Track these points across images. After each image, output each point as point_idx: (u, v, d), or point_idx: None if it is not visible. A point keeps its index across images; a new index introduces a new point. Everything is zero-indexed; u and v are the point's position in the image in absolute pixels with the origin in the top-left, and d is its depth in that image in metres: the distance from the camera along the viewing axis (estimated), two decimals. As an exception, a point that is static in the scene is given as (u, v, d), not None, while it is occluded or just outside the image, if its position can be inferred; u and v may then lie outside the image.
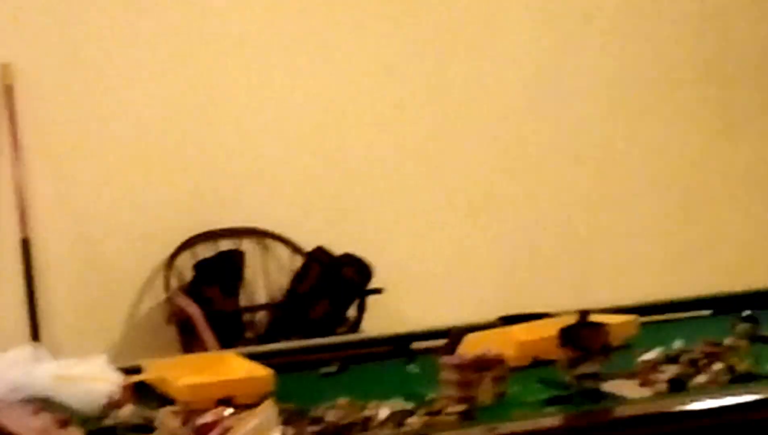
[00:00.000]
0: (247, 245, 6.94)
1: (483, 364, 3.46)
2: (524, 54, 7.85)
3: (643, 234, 7.73)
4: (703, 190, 8.01)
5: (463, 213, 7.51)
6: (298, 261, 6.93)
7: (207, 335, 6.34)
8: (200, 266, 6.82)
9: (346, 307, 6.83)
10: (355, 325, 6.70)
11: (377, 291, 6.80)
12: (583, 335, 3.58)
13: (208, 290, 6.70)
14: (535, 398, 3.40)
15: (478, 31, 7.69)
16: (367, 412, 3.21)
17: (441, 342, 4.02)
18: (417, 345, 4.27)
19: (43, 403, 3.43)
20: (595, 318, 3.66)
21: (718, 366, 3.51)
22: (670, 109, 8.03)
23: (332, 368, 4.04)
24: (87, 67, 6.88)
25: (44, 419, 3.30)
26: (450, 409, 3.22)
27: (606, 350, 3.58)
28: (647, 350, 3.69)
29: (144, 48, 6.91)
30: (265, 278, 6.97)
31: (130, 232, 6.86)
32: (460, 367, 3.43)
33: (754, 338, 3.92)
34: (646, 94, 7.98)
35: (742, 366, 3.52)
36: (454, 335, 3.97)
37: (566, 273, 7.22)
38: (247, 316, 6.80)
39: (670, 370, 3.51)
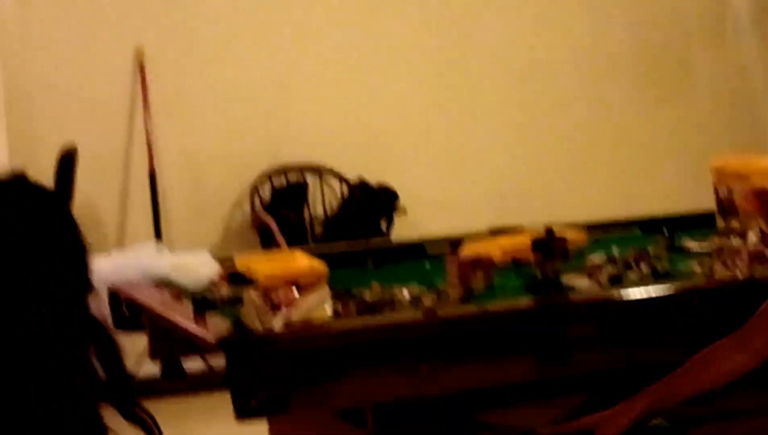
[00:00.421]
0: (309, 175, 7.85)
1: (476, 263, 4.07)
2: (512, 36, 8.54)
3: (596, 170, 8.46)
4: (638, 140, 8.63)
5: (465, 153, 8.33)
6: (345, 188, 7.87)
7: (280, 239, 7.23)
8: (276, 192, 7.73)
9: (379, 222, 7.72)
10: (386, 234, 7.59)
11: (401, 210, 7.77)
12: (549, 244, 4.22)
13: (281, 208, 7.56)
14: (514, 287, 4.03)
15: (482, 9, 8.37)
16: (393, 295, 3.89)
17: (447, 247, 4.40)
18: (430, 249, 4.84)
19: (163, 283, 4.25)
20: (557, 231, 4.25)
21: (644, 267, 4.14)
22: (615, 75, 8.73)
23: (369, 264, 4.73)
24: (196, 45, 7.80)
25: (164, 294, 4.14)
26: (453, 294, 3.86)
27: (565, 255, 4.22)
28: (593, 254, 4.30)
29: (238, 28, 7.84)
30: (322, 199, 7.90)
31: (226, 165, 7.86)
32: (460, 265, 4.04)
33: (670, 249, 4.48)
34: (604, 65, 8.67)
35: (661, 267, 4.11)
36: (455, 242, 4.31)
37: (538, 197, 7.87)
38: (308, 227, 7.69)
39: (610, 270, 4.08)
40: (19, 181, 1.88)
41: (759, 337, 2.86)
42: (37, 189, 1.89)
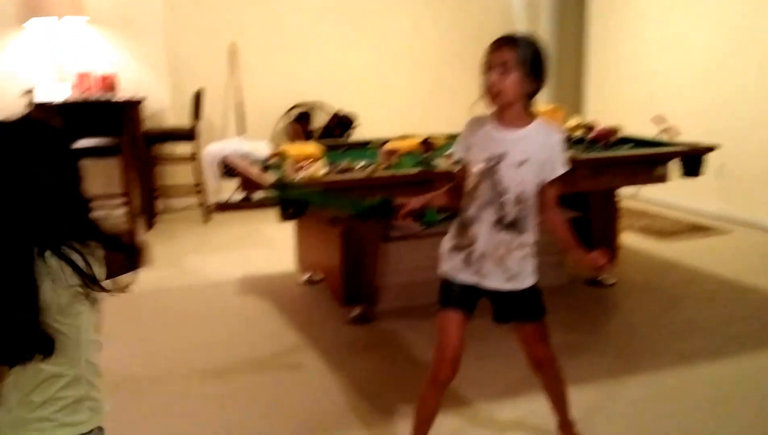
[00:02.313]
0: (313, 107, 7.40)
1: (392, 152, 4.13)
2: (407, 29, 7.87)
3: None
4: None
5: (389, 93, 7.77)
6: (330, 115, 7.41)
7: (301, 138, 6.92)
8: (298, 115, 7.33)
9: (347, 130, 7.34)
10: (349, 136, 7.15)
11: (355, 126, 7.39)
12: (428, 143, 4.31)
13: (298, 124, 7.30)
14: (410, 164, 4.05)
15: None
16: (354, 164, 4.02)
17: (378, 144, 4.47)
18: (371, 144, 4.75)
19: (245, 156, 4.32)
20: (431, 138, 4.40)
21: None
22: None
23: (342, 150, 4.72)
24: (281, 41, 7.32)
25: (246, 161, 4.27)
26: (381, 166, 3.97)
27: (435, 149, 4.29)
28: (450, 149, 4.19)
29: (310, 20, 7.38)
30: (318, 120, 7.43)
31: (276, 101, 7.37)
32: (384, 152, 4.11)
33: None
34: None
35: None
36: (384, 142, 4.37)
37: (424, 113, 7.47)
38: (314, 133, 7.20)
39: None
40: (26, 120, 1.54)
41: None
42: (43, 126, 1.53)
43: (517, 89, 2.32)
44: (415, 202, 2.61)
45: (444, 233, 2.60)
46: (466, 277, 2.49)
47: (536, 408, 2.96)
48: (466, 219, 2.48)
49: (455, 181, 2.58)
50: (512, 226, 2.42)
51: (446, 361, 2.50)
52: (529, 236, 2.46)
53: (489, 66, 2.31)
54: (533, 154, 2.37)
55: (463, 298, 2.52)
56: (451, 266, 2.52)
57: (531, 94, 2.38)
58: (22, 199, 1.40)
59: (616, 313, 4.39)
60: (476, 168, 2.42)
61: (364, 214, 2.85)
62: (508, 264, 2.45)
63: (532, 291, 2.53)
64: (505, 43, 2.33)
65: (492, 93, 2.34)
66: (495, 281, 2.48)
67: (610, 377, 3.43)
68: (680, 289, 4.64)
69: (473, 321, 2.57)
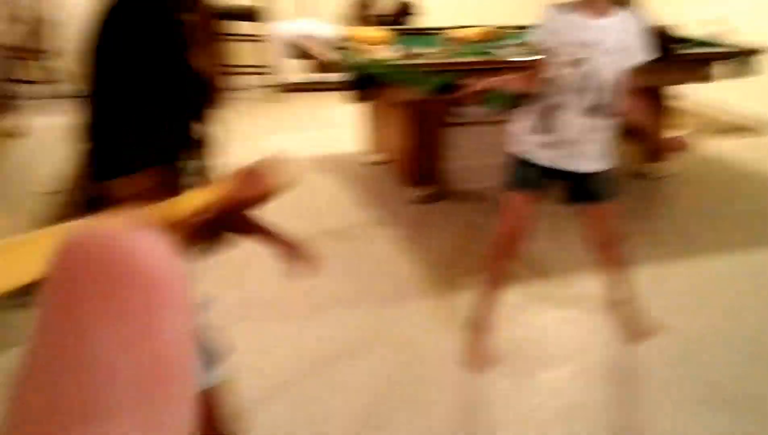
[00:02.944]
0: None
1: (459, 40, 4.22)
2: None
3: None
4: None
5: None
6: (397, 2, 6.77)
7: (364, 22, 6.37)
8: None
9: (406, 17, 6.78)
10: (408, 23, 6.62)
11: (416, 12, 6.81)
12: (492, 33, 4.45)
13: (364, 8, 6.72)
14: (475, 53, 4.00)
15: None
16: (422, 50, 3.92)
17: (447, 30, 4.51)
18: (439, 32, 4.62)
19: (312, 36, 4.22)
20: (497, 28, 4.60)
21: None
22: None
23: (410, 36, 4.58)
24: None
25: (312, 40, 4.18)
26: (449, 53, 3.99)
27: (497, 39, 4.34)
28: (516, 40, 4.76)
29: None
30: (384, 6, 6.80)
31: None
32: (451, 40, 4.19)
33: None
34: None
35: None
36: (450, 30, 4.56)
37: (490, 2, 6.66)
38: (381, 18, 6.59)
39: (515, 48, 4.21)
40: None
41: None
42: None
43: None
44: (483, 84, 2.65)
45: (505, 119, 2.68)
46: (546, 159, 2.53)
47: (594, 285, 3.02)
48: (549, 104, 2.49)
49: (535, 68, 2.55)
50: (597, 110, 2.45)
51: (515, 240, 2.60)
52: (611, 121, 2.51)
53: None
54: (621, 41, 2.39)
55: (538, 179, 2.57)
56: (530, 148, 2.56)
57: None
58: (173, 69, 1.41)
59: (664, 205, 4.44)
60: (565, 55, 2.41)
61: (434, 89, 2.89)
62: (591, 147, 2.51)
63: (609, 173, 2.59)
64: None
65: None
66: (577, 163, 2.53)
67: (659, 264, 3.47)
68: (729, 185, 4.68)
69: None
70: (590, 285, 3.10)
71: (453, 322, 2.89)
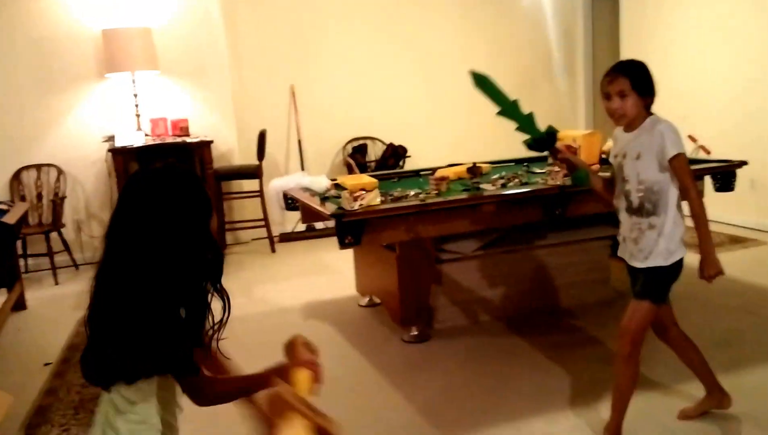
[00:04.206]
0: (368, 141, 7.37)
1: (442, 179, 4.07)
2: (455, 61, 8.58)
3: (496, 137, 8.57)
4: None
5: (438, 128, 7.67)
6: (383, 147, 7.33)
7: (355, 170, 6.92)
8: (354, 148, 7.29)
9: (400, 160, 7.21)
10: (401, 167, 7.01)
11: (408, 156, 7.23)
12: (474, 170, 4.26)
13: (356, 156, 7.22)
14: (458, 190, 3.98)
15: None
16: (407, 192, 3.96)
17: (429, 172, 4.54)
18: (422, 174, 4.80)
19: (306, 189, 4.31)
20: (477, 164, 4.35)
21: (516, 180, 4.11)
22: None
23: (395, 179, 4.70)
24: (335, 82, 7.32)
25: (306, 194, 4.22)
26: (431, 193, 3.92)
27: (481, 174, 4.27)
28: (494, 175, 4.31)
29: (335, 72, 7.28)
30: (373, 152, 7.44)
31: (333, 136, 7.37)
32: (434, 180, 4.06)
33: (528, 172, 4.49)
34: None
35: (524, 180, 4.11)
36: (433, 170, 4.47)
37: (468, 147, 6.88)
38: (369, 165, 7.21)
39: (501, 181, 4.07)
40: (171, 167, 1.53)
41: None
42: (184, 172, 1.55)
43: (635, 108, 2.61)
44: (572, 157, 2.93)
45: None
46: (625, 259, 2.77)
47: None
48: (616, 209, 2.78)
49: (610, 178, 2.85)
50: (639, 210, 2.65)
51: (622, 338, 2.72)
52: (659, 219, 2.62)
53: (607, 95, 2.62)
54: (646, 146, 2.61)
55: (631, 278, 2.78)
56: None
57: (647, 106, 2.66)
58: (198, 236, 1.52)
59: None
60: (614, 164, 2.76)
61: (538, 140, 2.86)
62: (641, 244, 2.66)
63: (654, 272, 2.68)
64: (617, 73, 2.61)
65: (616, 116, 2.64)
66: (634, 260, 2.70)
67: (656, 388, 3.31)
68: (721, 300, 4.49)
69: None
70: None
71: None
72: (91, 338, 1.51)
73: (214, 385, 1.65)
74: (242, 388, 1.63)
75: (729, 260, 5.19)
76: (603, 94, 2.64)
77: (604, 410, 3.06)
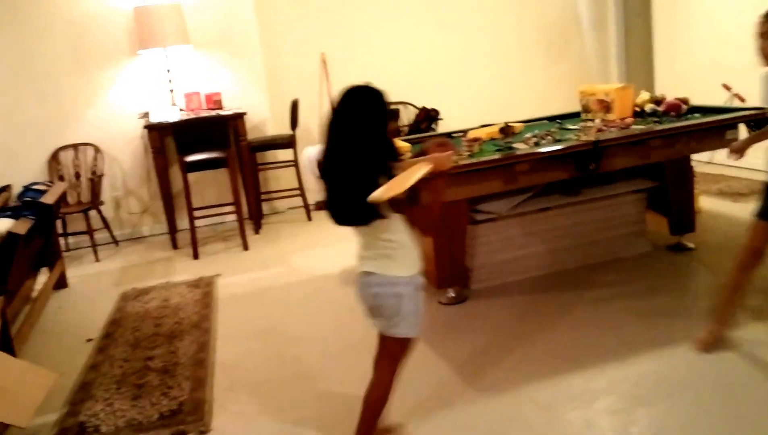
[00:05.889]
0: (400, 106, 7.34)
1: (475, 140, 4.10)
2: (484, 29, 7.81)
3: (526, 96, 7.67)
4: (545, 79, 7.88)
5: (468, 89, 7.63)
6: (417, 111, 7.31)
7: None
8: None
9: (433, 122, 7.19)
10: (434, 129, 6.95)
11: (440, 118, 7.22)
12: (506, 130, 4.46)
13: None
14: (491, 150, 3.97)
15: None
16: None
17: (462, 134, 4.52)
18: (456, 135, 4.73)
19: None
20: (509, 124, 4.50)
21: (549, 138, 4.13)
22: (531, 45, 7.95)
23: (428, 138, 5.17)
24: (366, 47, 7.28)
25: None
26: (465, 153, 3.92)
27: (513, 134, 4.42)
28: (527, 134, 4.31)
29: (369, 40, 7.28)
30: (406, 117, 7.39)
31: None
32: (467, 140, 4.08)
33: (561, 129, 4.47)
34: (524, 40, 7.93)
35: (557, 138, 4.12)
36: (465, 132, 4.46)
37: (501, 108, 6.71)
38: (402, 130, 7.15)
39: (533, 140, 4.08)
40: (369, 86, 2.28)
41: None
42: (376, 90, 2.29)
43: None
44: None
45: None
46: None
47: None
48: None
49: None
50: None
51: (754, 260, 3.02)
52: None
53: (764, 34, 2.81)
54: None
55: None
56: None
57: None
58: (383, 130, 2.27)
59: (698, 276, 4.24)
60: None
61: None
62: None
63: None
64: None
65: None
66: None
67: (695, 338, 3.28)
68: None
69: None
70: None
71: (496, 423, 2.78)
72: (330, 194, 2.30)
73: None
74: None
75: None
76: (760, 33, 2.83)
77: (642, 364, 3.08)
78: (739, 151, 3.32)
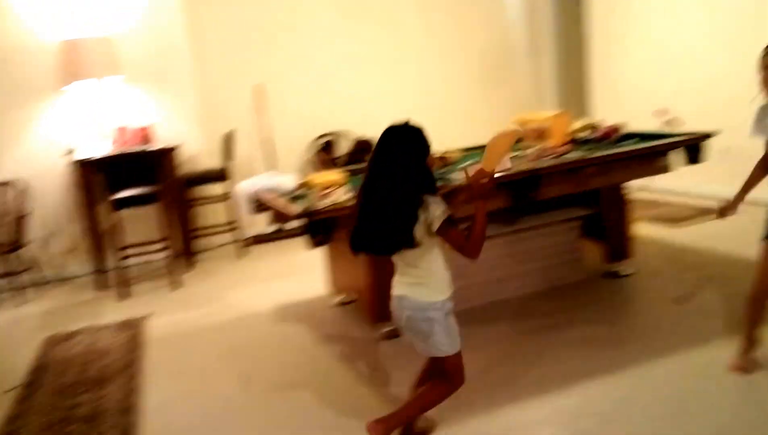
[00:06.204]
0: (337, 136, 7.30)
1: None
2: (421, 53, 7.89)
3: (456, 122, 7.20)
4: (484, 105, 7.82)
5: (409, 111, 8.49)
6: (352, 142, 7.28)
7: (327, 166, 6.69)
8: (323, 144, 7.23)
9: (369, 154, 7.93)
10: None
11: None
12: (442, 159, 4.29)
13: (324, 153, 7.20)
14: None
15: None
16: None
17: None
18: None
19: (273, 189, 4.11)
20: (448, 152, 5.04)
21: None
22: (471, 71, 8.03)
23: (362, 176, 4.94)
24: (302, 78, 7.28)
25: (274, 194, 4.08)
26: None
27: (449, 164, 4.64)
28: (464, 162, 4.18)
29: (299, 71, 7.24)
30: (345, 147, 7.31)
31: (301, 134, 7.26)
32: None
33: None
34: (464, 66, 8.00)
35: None
36: None
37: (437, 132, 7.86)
38: (339, 160, 7.07)
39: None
40: (406, 124, 2.50)
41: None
42: (413, 127, 2.49)
43: None
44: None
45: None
46: None
47: None
48: None
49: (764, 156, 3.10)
50: None
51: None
52: None
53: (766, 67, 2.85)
54: None
55: None
56: None
57: None
58: (420, 166, 2.44)
59: (635, 302, 4.26)
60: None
61: None
62: None
63: None
64: None
65: None
66: None
67: (635, 365, 3.29)
68: (696, 273, 4.50)
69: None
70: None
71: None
72: (363, 224, 2.52)
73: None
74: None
75: (702, 232, 5.32)
76: (761, 66, 2.88)
77: (580, 394, 3.03)
78: (731, 210, 3.30)
